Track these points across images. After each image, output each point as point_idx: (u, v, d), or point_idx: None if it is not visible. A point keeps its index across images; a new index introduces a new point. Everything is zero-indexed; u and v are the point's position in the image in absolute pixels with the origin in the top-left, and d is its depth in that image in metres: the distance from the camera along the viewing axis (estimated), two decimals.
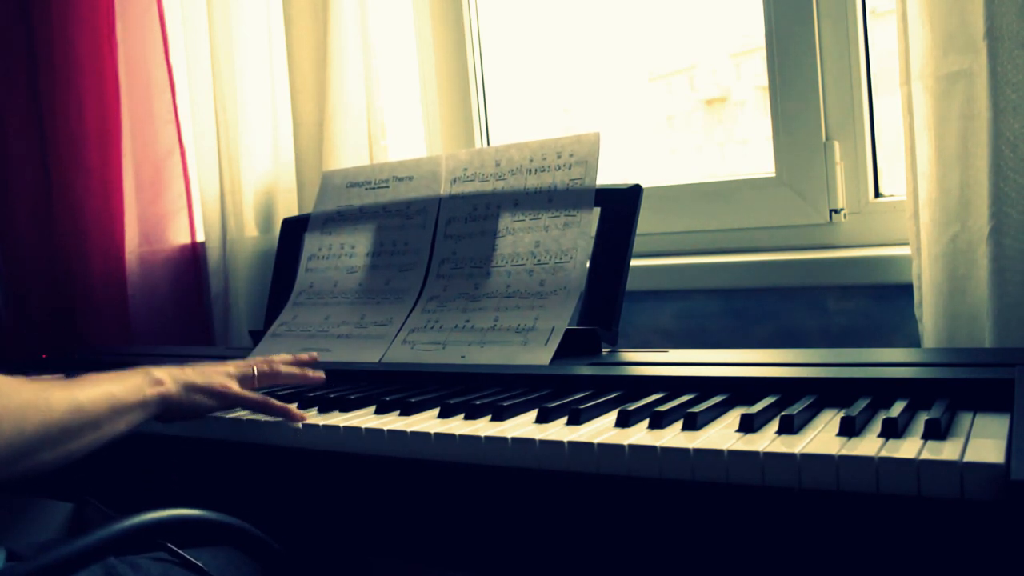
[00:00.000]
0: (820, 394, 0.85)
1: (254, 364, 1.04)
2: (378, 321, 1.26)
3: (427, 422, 0.90)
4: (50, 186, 1.94)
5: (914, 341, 1.16)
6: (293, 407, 0.99)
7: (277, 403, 0.99)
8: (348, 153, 1.58)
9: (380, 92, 1.62)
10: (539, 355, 1.08)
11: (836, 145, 1.33)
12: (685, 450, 0.72)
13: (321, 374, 1.09)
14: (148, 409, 0.91)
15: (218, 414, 1.01)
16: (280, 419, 0.97)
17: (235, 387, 1.00)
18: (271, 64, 1.66)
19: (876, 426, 0.73)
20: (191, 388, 0.95)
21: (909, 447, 0.67)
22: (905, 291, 1.15)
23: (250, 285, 1.68)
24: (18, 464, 0.75)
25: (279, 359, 1.08)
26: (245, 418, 1.01)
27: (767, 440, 0.72)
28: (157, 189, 1.83)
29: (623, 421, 0.81)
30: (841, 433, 0.72)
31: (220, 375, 1.00)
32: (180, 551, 0.85)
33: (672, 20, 1.66)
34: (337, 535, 0.96)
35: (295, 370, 1.07)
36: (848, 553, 0.67)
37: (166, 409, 0.94)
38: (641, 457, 0.74)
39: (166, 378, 0.94)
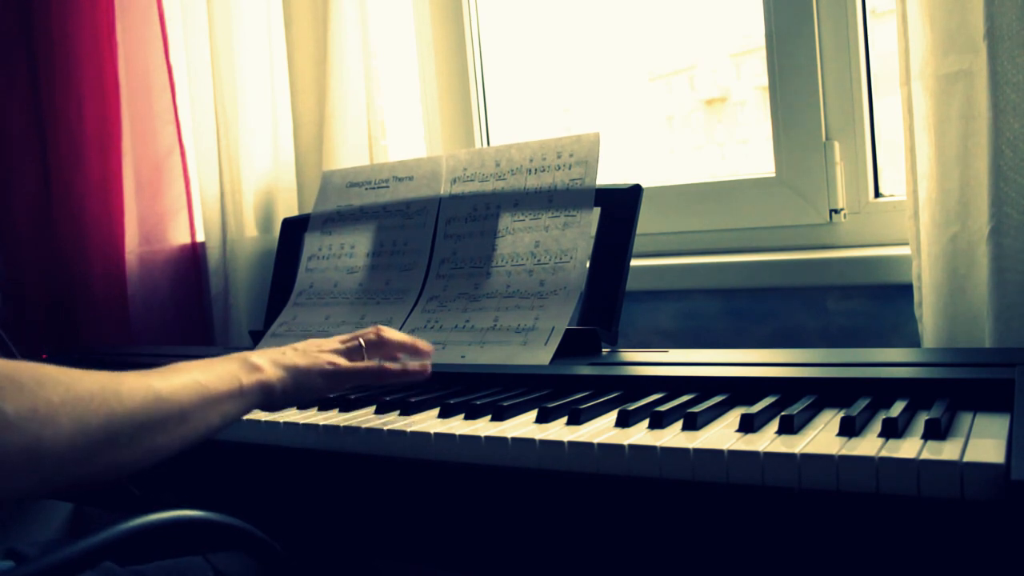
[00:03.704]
0: (820, 394, 0.85)
1: (359, 335, 0.95)
2: (378, 321, 1.26)
3: (427, 422, 0.90)
4: (50, 186, 1.94)
5: (914, 341, 1.16)
6: (421, 364, 0.93)
7: (394, 366, 0.92)
8: (348, 153, 1.58)
9: (380, 92, 1.62)
10: (539, 355, 1.08)
11: (836, 145, 1.33)
12: (685, 450, 0.72)
13: (428, 356, 0.99)
14: (247, 399, 0.82)
15: None
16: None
17: (343, 362, 0.91)
18: (271, 64, 1.66)
19: (876, 426, 0.73)
20: (295, 372, 0.86)
21: (909, 447, 0.67)
22: (905, 291, 1.15)
23: (250, 285, 1.68)
24: (89, 464, 0.66)
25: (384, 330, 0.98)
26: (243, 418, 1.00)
27: (767, 440, 0.72)
28: (157, 189, 1.83)
29: (623, 421, 0.81)
30: (841, 433, 0.72)
31: (326, 352, 0.91)
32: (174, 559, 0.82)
33: (672, 20, 1.66)
34: (337, 536, 0.96)
35: (405, 338, 0.97)
36: (848, 553, 0.67)
37: (268, 397, 0.84)
38: (641, 457, 0.74)
39: (265, 363, 0.85)
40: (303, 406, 1.03)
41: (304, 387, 0.87)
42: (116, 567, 0.79)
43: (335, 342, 0.93)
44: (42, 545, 0.84)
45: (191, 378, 0.76)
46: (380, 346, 0.95)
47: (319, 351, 0.90)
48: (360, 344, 0.94)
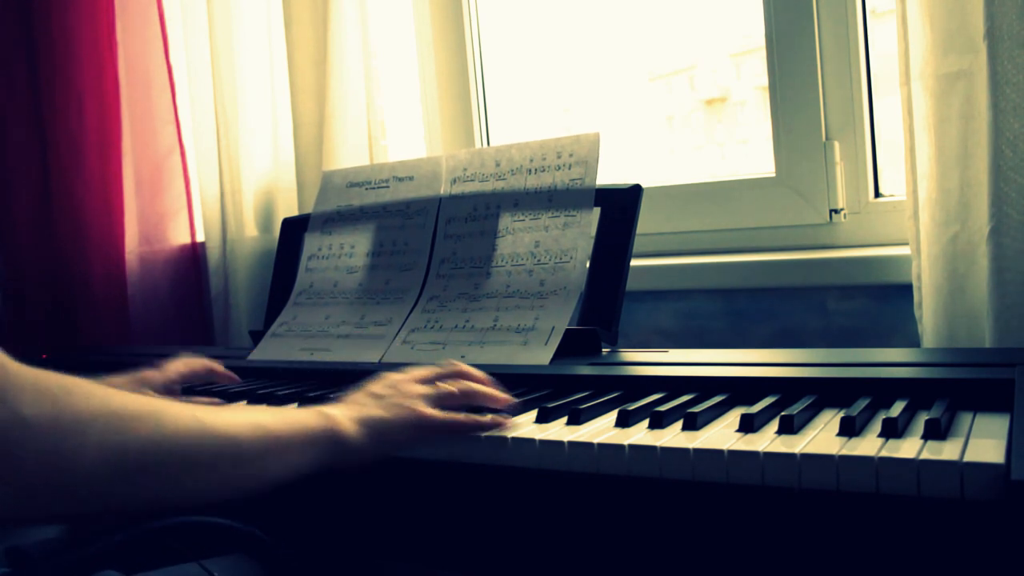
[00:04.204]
0: (820, 394, 0.85)
1: (445, 374, 0.86)
2: (378, 321, 1.26)
3: None
4: (50, 186, 1.94)
5: (914, 341, 1.16)
6: (512, 420, 0.83)
7: (485, 418, 0.81)
8: (348, 153, 1.58)
9: (380, 92, 1.62)
10: (539, 355, 1.08)
11: (836, 145, 1.33)
12: (685, 450, 0.72)
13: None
14: (317, 449, 0.73)
15: None
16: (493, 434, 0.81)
17: (431, 412, 0.81)
18: (271, 64, 1.66)
19: (876, 426, 0.73)
20: (375, 425, 0.77)
21: (909, 447, 0.67)
22: (905, 291, 1.15)
23: (250, 285, 1.68)
24: (122, 490, 0.60)
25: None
26: None
27: (767, 440, 0.72)
28: (157, 189, 1.83)
29: (623, 421, 0.81)
30: (841, 433, 0.72)
31: (411, 399, 0.81)
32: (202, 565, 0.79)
33: (672, 20, 1.66)
34: (335, 536, 0.96)
35: (485, 378, 0.89)
36: (848, 553, 0.67)
37: (340, 450, 0.75)
38: (641, 457, 0.74)
39: (339, 414, 0.76)
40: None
41: (386, 442, 0.78)
42: (117, 574, 0.78)
43: (420, 385, 0.84)
44: (44, 544, 0.83)
45: (250, 417, 0.70)
46: (469, 396, 0.86)
47: (404, 398, 0.81)
48: (452, 392, 0.85)
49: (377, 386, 0.84)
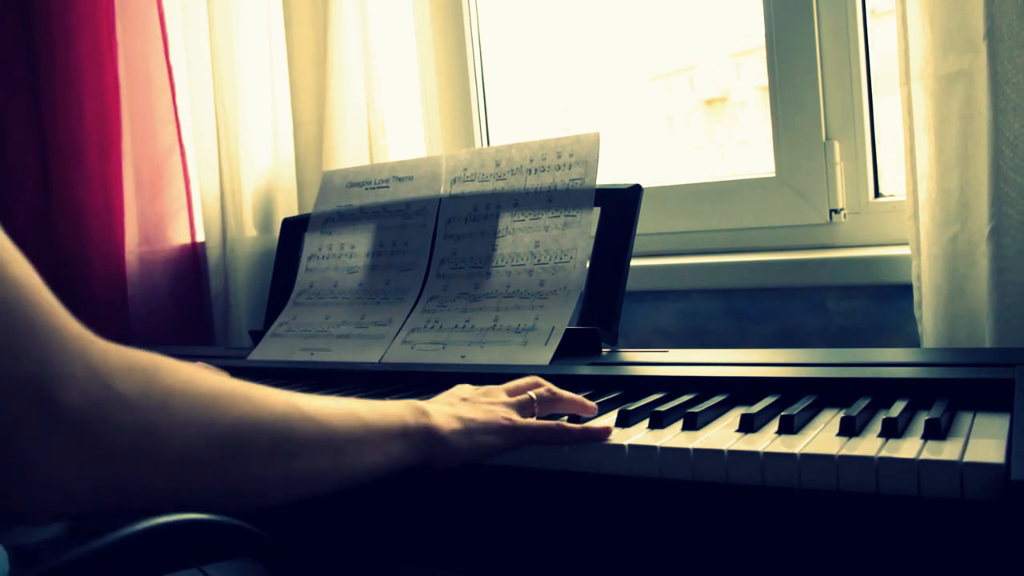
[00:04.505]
0: (820, 394, 0.85)
1: (526, 386, 0.85)
2: (378, 321, 1.26)
3: None
4: (50, 186, 1.94)
5: (914, 341, 1.16)
6: (600, 422, 0.81)
7: (576, 426, 0.79)
8: (348, 153, 1.58)
9: (380, 92, 1.62)
10: (539, 355, 1.08)
11: (836, 145, 1.33)
12: (685, 450, 0.72)
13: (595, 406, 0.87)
14: (410, 443, 0.70)
15: None
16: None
17: (519, 418, 0.80)
18: (271, 64, 1.66)
19: (876, 426, 0.73)
20: (469, 425, 0.75)
21: (909, 447, 0.67)
22: (905, 291, 1.15)
23: (250, 285, 1.68)
24: (213, 473, 0.57)
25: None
26: None
27: (767, 440, 0.72)
28: (157, 189, 1.83)
29: (623, 421, 0.81)
30: (841, 433, 0.72)
31: (499, 406, 0.80)
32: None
33: (672, 20, 1.66)
34: (332, 537, 0.96)
35: (575, 396, 0.86)
36: (848, 553, 0.67)
37: (436, 447, 0.73)
38: (641, 457, 0.74)
39: (434, 410, 0.74)
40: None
41: (478, 444, 0.76)
42: None
43: (503, 393, 0.83)
44: (48, 543, 0.83)
45: (344, 406, 0.67)
46: (551, 402, 0.85)
47: (491, 403, 0.80)
48: (532, 399, 0.83)
49: (465, 391, 0.83)
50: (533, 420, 0.81)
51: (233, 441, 0.58)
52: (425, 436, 0.72)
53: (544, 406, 0.84)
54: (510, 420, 0.78)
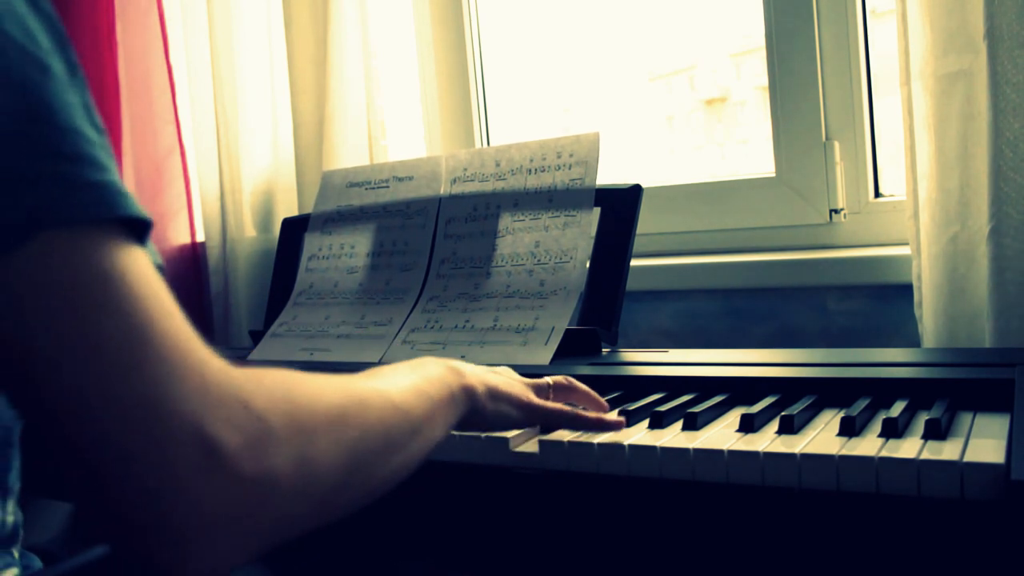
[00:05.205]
0: (820, 394, 0.85)
1: (547, 377, 0.86)
2: (378, 321, 1.26)
3: None
4: None
5: (914, 341, 1.16)
6: (611, 415, 0.82)
7: (591, 415, 0.81)
8: (348, 153, 1.58)
9: (380, 92, 1.62)
10: (539, 355, 1.08)
11: (836, 145, 1.33)
12: (685, 450, 0.72)
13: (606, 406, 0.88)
14: (458, 408, 0.69)
15: None
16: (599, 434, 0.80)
17: (535, 398, 0.80)
18: (271, 64, 1.66)
19: (876, 426, 0.73)
20: (495, 390, 0.75)
21: (909, 447, 0.67)
22: (905, 291, 1.15)
23: (250, 285, 1.68)
24: (348, 487, 0.56)
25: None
26: None
27: (767, 440, 0.72)
28: (157, 189, 1.83)
29: None
30: (841, 433, 0.72)
31: (518, 383, 0.80)
32: None
33: (672, 20, 1.66)
34: (333, 536, 0.96)
35: (590, 390, 0.87)
36: (848, 553, 0.67)
37: (473, 409, 0.72)
38: (641, 457, 0.74)
39: (467, 370, 0.72)
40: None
41: (500, 412, 0.76)
42: None
43: (517, 375, 0.84)
44: (62, 541, 0.83)
45: (412, 383, 0.64)
46: (567, 391, 0.86)
47: (513, 379, 0.80)
48: (549, 384, 0.84)
49: (487, 368, 0.82)
50: (550, 402, 0.81)
51: (361, 453, 0.56)
52: (464, 398, 0.70)
53: (560, 394, 0.84)
54: (528, 397, 0.79)
